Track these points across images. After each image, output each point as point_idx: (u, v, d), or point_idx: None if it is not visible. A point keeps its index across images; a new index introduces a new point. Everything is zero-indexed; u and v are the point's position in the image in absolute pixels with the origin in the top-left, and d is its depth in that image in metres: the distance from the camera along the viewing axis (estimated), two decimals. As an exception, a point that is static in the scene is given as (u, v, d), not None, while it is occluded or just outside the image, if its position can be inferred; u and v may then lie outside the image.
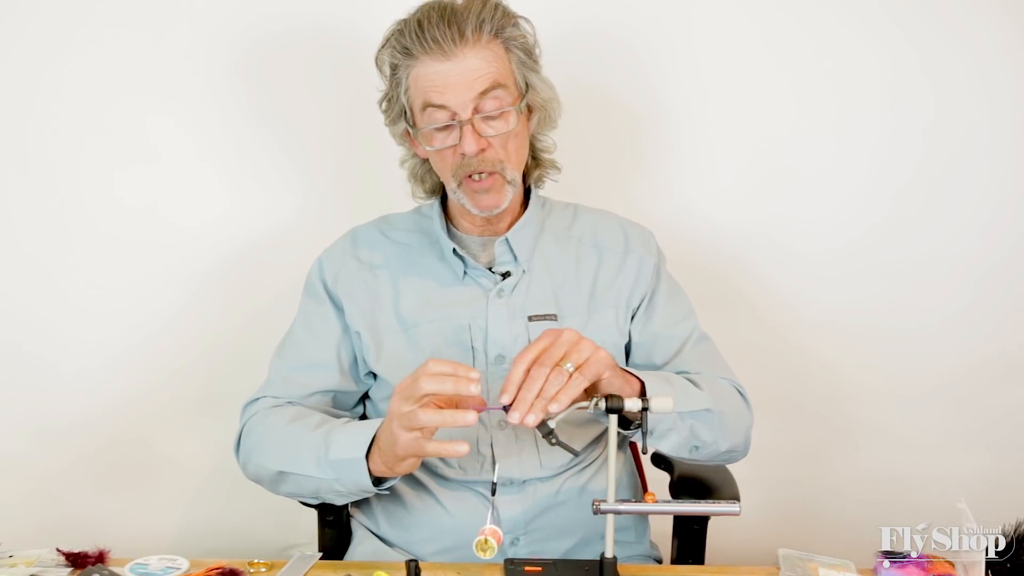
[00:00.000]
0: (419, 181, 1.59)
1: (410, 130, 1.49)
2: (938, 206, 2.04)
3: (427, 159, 1.54)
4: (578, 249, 1.58)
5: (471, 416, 1.19)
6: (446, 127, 1.44)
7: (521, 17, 1.48)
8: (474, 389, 1.19)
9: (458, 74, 1.41)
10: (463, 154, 1.43)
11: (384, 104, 1.52)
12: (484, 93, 1.42)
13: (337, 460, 1.35)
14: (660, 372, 1.47)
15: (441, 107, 1.42)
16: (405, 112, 1.48)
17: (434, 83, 1.41)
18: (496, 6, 1.44)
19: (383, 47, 1.47)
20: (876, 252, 2.06)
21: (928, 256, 2.06)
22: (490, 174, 1.45)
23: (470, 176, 1.45)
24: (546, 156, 1.59)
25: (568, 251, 1.58)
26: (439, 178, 1.55)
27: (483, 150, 1.43)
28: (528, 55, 1.48)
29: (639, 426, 1.29)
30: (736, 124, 2.02)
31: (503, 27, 1.44)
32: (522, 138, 1.50)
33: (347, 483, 1.37)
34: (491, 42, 1.43)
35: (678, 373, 1.48)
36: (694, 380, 1.45)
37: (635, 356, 1.56)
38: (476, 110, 1.42)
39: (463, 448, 1.21)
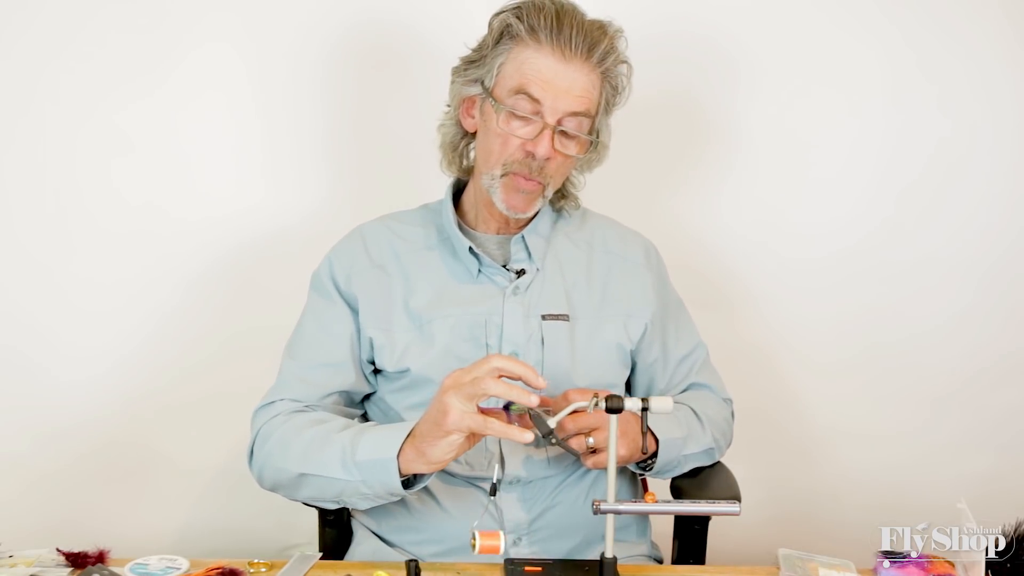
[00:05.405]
0: (455, 154, 1.58)
1: (488, 100, 1.47)
2: (940, 209, 2.05)
3: (471, 133, 1.54)
4: (589, 252, 1.59)
5: (528, 435, 1.22)
6: (524, 119, 1.44)
7: (626, 62, 1.49)
8: (534, 400, 1.23)
9: (566, 81, 1.42)
10: (531, 152, 1.44)
11: (468, 64, 1.51)
12: (575, 113, 1.44)
13: (365, 461, 1.33)
14: (674, 413, 1.46)
15: (535, 101, 1.43)
16: (483, 81, 1.47)
17: (542, 76, 1.42)
18: (619, 53, 1.46)
19: (508, 10, 1.46)
20: (877, 255, 2.07)
21: (928, 258, 2.07)
22: (537, 182, 1.47)
23: (516, 172, 1.46)
24: (572, 191, 1.61)
25: (580, 253, 1.59)
26: (473, 160, 1.56)
27: (548, 159, 1.45)
28: (613, 97, 1.50)
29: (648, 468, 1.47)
30: (757, 132, 2.04)
31: (614, 65, 1.46)
32: (571, 167, 1.53)
33: (374, 484, 1.33)
34: (600, 74, 1.45)
35: (686, 390, 1.62)
36: (696, 411, 1.54)
37: (648, 375, 1.60)
38: (559, 121, 1.44)
39: (528, 436, 1.22)
